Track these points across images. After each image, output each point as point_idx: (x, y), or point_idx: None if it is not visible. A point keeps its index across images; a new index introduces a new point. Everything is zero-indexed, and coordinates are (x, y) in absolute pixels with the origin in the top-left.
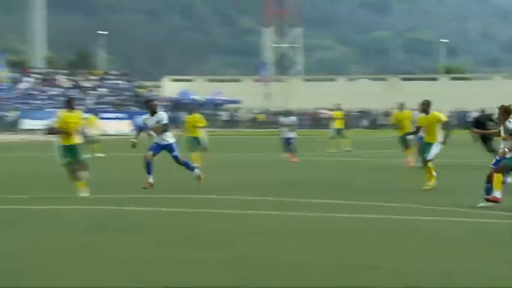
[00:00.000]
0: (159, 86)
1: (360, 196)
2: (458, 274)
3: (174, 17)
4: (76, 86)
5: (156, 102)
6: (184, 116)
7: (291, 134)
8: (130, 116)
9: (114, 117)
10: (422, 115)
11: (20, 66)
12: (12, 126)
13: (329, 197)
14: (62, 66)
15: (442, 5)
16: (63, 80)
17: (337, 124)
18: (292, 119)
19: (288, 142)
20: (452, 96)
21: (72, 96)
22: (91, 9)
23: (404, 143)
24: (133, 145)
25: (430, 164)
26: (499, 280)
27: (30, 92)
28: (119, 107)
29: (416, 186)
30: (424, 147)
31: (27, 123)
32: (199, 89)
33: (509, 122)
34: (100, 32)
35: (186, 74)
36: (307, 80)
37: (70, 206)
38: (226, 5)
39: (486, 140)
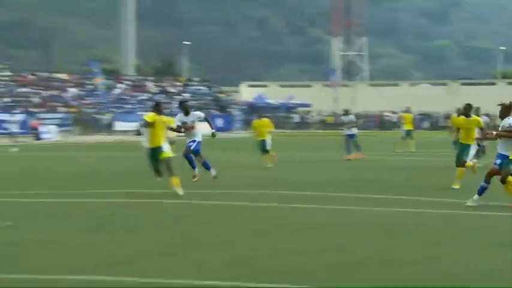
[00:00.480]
0: (236, 91)
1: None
2: None
3: (250, 29)
4: (162, 92)
5: (189, 103)
6: (254, 120)
7: (353, 131)
8: (211, 119)
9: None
10: (463, 117)
11: (113, 74)
12: (107, 128)
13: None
14: (150, 73)
15: (498, 14)
16: (151, 86)
17: (407, 126)
18: (351, 117)
19: (351, 138)
20: (510, 100)
21: (159, 101)
22: (176, 22)
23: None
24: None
25: (468, 165)
26: None
27: (122, 97)
28: (201, 110)
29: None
30: (463, 148)
31: (120, 125)
32: (273, 93)
33: (509, 118)
34: (184, 42)
35: (261, 80)
36: (372, 85)
37: (173, 200)
38: (298, 17)
39: None
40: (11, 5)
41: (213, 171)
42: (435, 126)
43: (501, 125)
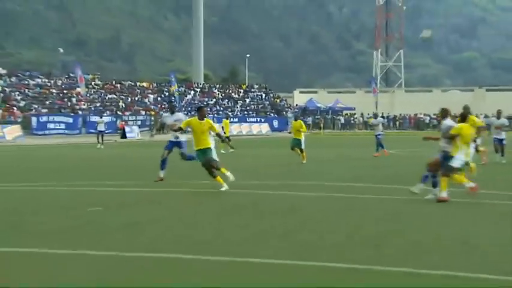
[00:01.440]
0: (290, 97)
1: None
2: None
3: (303, 43)
4: (227, 97)
5: (176, 104)
6: (292, 121)
7: (380, 132)
8: (268, 120)
9: (256, 121)
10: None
11: (186, 82)
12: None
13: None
14: (217, 81)
15: None
16: (217, 92)
17: None
18: (380, 119)
19: (377, 139)
20: None
21: (202, 106)
22: (239, 37)
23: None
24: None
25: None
26: None
27: (193, 102)
28: (260, 113)
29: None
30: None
31: None
32: (322, 98)
33: (445, 120)
34: (246, 55)
35: (312, 87)
36: (408, 91)
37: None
38: (345, 33)
39: None
40: (103, 25)
41: (161, 175)
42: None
43: (441, 128)
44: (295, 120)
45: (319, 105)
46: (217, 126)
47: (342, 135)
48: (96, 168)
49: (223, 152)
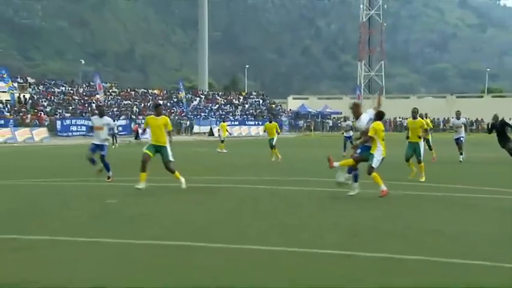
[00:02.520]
0: (284, 102)
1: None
2: None
3: (296, 54)
4: (228, 103)
5: (104, 108)
6: (266, 123)
7: (350, 133)
8: (264, 123)
9: (254, 124)
10: (410, 119)
11: (192, 89)
12: (186, 131)
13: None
14: (219, 89)
15: (487, 44)
16: (219, 98)
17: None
18: (348, 122)
19: (348, 139)
20: (494, 110)
21: (159, 104)
22: (239, 50)
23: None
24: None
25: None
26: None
27: (198, 107)
28: (257, 117)
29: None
30: (413, 146)
31: (197, 129)
32: (313, 104)
33: (363, 117)
34: (246, 65)
35: (303, 94)
36: (388, 98)
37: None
38: (333, 46)
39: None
40: (119, 39)
41: (98, 167)
42: (436, 129)
43: (357, 125)
44: (270, 122)
45: (310, 110)
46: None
47: (330, 137)
48: (112, 165)
49: (219, 151)
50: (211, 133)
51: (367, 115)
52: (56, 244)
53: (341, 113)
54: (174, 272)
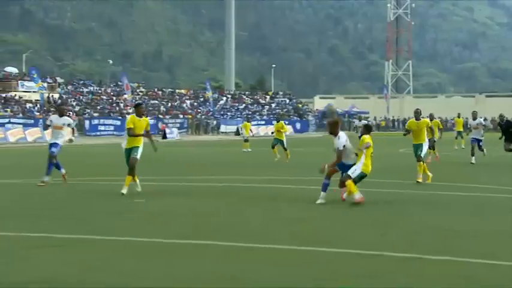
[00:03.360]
0: (311, 102)
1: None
2: None
3: (323, 54)
4: (255, 103)
5: (65, 107)
6: (274, 123)
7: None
8: (291, 123)
9: None
10: (413, 120)
11: (219, 90)
12: (213, 130)
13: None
14: (246, 89)
15: None
16: (246, 98)
17: (458, 128)
18: (363, 121)
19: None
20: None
21: (140, 103)
22: (266, 50)
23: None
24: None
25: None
26: None
27: (225, 107)
28: (284, 116)
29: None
30: (417, 147)
31: (223, 128)
32: (340, 103)
33: (339, 138)
34: (272, 65)
35: (330, 94)
36: (416, 97)
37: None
38: (360, 45)
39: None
40: (147, 40)
41: (63, 171)
42: (466, 129)
43: (335, 143)
44: (277, 121)
45: (337, 109)
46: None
47: (357, 136)
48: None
49: (244, 150)
50: (237, 133)
51: (344, 137)
52: (85, 242)
53: (368, 113)
54: (195, 270)
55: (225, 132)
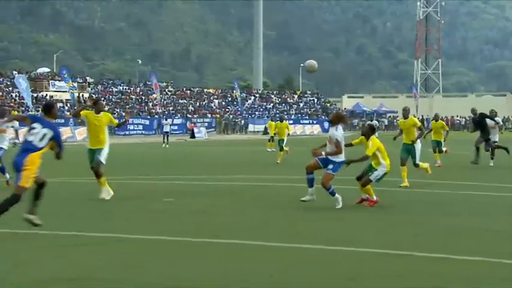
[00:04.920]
0: (339, 101)
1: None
2: None
3: (351, 53)
4: (283, 102)
5: (7, 108)
6: (277, 122)
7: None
8: (319, 122)
9: (309, 122)
10: (402, 120)
11: (247, 89)
12: (241, 130)
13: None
14: (274, 88)
15: None
16: (274, 97)
17: None
18: (375, 122)
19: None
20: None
21: (98, 99)
22: (294, 49)
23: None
24: None
25: (422, 165)
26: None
27: (253, 106)
28: (312, 116)
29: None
30: (407, 149)
31: (251, 127)
32: (368, 103)
33: (337, 129)
34: (300, 64)
35: (358, 93)
36: (445, 96)
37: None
38: (388, 44)
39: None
40: (176, 39)
41: (7, 175)
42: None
43: (329, 134)
44: (281, 121)
45: (365, 108)
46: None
47: (385, 136)
48: (167, 163)
49: (268, 150)
50: (265, 132)
51: (341, 131)
52: (118, 241)
53: (396, 112)
54: (231, 270)
55: (253, 132)
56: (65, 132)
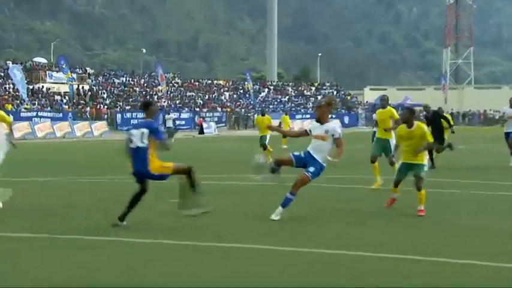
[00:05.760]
0: (361, 94)
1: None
2: None
3: (373, 42)
4: (299, 95)
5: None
6: (257, 117)
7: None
8: (338, 116)
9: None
10: (380, 110)
11: (260, 81)
12: (254, 125)
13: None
14: (290, 79)
15: None
16: (290, 90)
17: None
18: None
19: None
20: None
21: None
22: (311, 38)
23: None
24: None
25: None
26: None
27: (267, 99)
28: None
29: None
30: (382, 144)
31: None
32: (392, 96)
33: (333, 124)
34: (318, 54)
35: (381, 85)
36: (477, 88)
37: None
38: (414, 32)
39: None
40: (182, 27)
41: None
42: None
43: (325, 130)
44: (262, 115)
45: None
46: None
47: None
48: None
49: (284, 147)
50: (280, 127)
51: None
52: (119, 245)
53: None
54: (249, 275)
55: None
56: (64, 127)
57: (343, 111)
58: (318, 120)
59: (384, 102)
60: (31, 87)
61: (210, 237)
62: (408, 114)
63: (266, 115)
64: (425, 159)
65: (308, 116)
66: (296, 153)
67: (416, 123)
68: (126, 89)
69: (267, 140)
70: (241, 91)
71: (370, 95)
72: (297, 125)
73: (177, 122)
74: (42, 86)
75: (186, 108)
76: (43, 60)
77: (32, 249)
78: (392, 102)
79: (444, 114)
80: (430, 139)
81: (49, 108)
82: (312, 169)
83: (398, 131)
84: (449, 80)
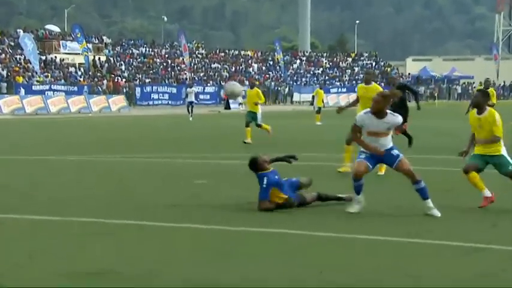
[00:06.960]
0: (402, 65)
1: None
2: None
3: (417, 8)
4: (334, 66)
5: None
6: (247, 90)
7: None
8: None
9: None
10: (362, 85)
11: (291, 51)
12: (285, 99)
13: None
14: (324, 50)
15: None
16: (324, 61)
17: None
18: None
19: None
20: None
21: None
22: (348, 4)
23: None
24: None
25: None
26: None
27: (299, 71)
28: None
29: None
30: None
31: (297, 97)
32: (437, 67)
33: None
34: (356, 21)
35: (426, 55)
36: None
37: None
38: None
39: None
40: None
41: None
42: None
43: (384, 121)
44: (251, 88)
45: (433, 73)
46: None
47: (458, 106)
48: (195, 140)
49: (319, 123)
50: (312, 102)
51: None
52: (141, 229)
53: (472, 77)
54: (276, 264)
55: (299, 102)
56: (79, 101)
57: (382, 84)
58: (374, 113)
59: (369, 76)
60: (43, 58)
61: (244, 221)
62: (480, 98)
63: (256, 88)
64: (502, 149)
65: (344, 89)
66: (368, 157)
67: (488, 109)
68: (145, 60)
69: (259, 119)
70: (271, 63)
71: (412, 67)
72: (331, 99)
73: (201, 97)
74: (56, 57)
75: (211, 82)
76: (56, 29)
77: (47, 237)
78: (436, 74)
79: (489, 88)
80: (499, 134)
81: (63, 81)
82: (395, 152)
83: (469, 118)
84: (502, 49)
